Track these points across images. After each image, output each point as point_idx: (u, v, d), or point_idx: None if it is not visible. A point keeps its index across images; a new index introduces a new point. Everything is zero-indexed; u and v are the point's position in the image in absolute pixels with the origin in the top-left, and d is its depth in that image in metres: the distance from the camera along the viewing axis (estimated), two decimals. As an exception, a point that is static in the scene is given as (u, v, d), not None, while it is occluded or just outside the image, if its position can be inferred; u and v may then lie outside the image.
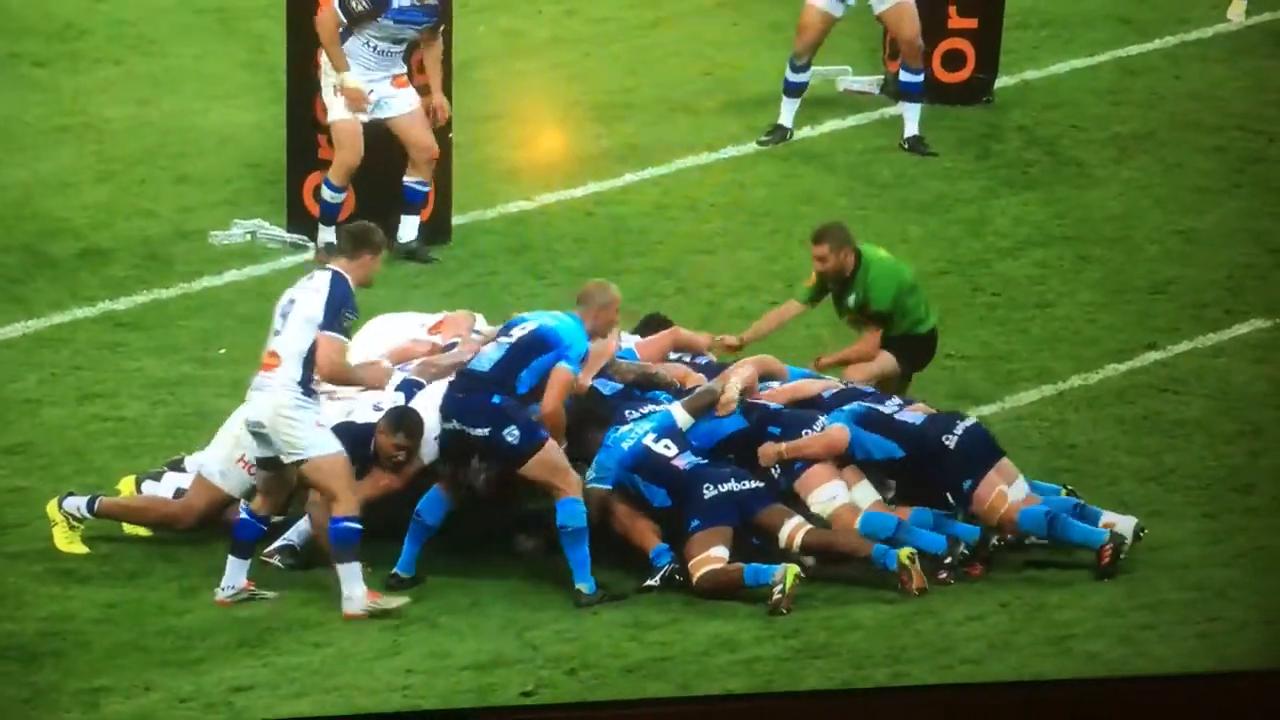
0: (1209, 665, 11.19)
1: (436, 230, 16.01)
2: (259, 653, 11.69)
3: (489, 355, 12.25)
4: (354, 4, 15.08)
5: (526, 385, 12.21)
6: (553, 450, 12.14)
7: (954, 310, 15.23)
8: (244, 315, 14.97)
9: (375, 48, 15.28)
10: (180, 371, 13.13)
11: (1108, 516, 12.49)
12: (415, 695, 11.25)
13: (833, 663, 11.41)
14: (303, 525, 12.53)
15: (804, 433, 12.48)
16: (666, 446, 12.37)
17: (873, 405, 12.67)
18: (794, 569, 12.02)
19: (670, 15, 17.01)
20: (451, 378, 12.51)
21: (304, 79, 15.80)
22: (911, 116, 16.90)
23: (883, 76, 17.95)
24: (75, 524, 12.56)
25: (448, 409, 12.23)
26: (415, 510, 12.25)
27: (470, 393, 12.18)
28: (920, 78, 16.89)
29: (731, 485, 12.27)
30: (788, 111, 17.00)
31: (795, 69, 16.90)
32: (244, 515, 12.15)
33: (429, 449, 12.38)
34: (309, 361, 11.91)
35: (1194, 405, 14.24)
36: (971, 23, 17.74)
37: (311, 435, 11.88)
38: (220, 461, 12.51)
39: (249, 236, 16.09)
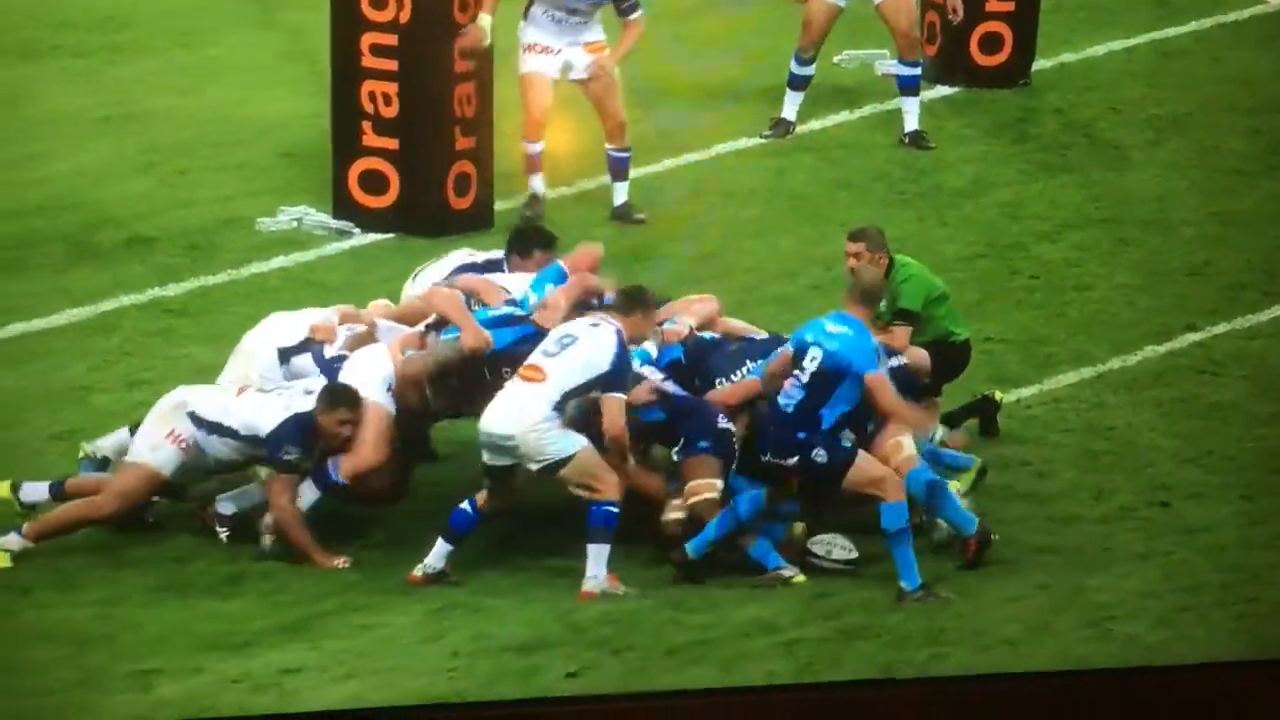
0: (1246, 648, 11.23)
1: (479, 217, 16.11)
2: (307, 635, 11.82)
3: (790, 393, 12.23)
4: None
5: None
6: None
7: (991, 294, 15.28)
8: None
9: (552, 16, 15.68)
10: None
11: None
12: (460, 677, 11.36)
13: (873, 644, 11.49)
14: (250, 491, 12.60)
15: (735, 375, 12.56)
16: (651, 373, 12.53)
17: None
18: (801, 525, 12.18)
19: (708, 1, 17.06)
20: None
21: (348, 68, 15.89)
22: (911, 110, 16.89)
23: (922, 61, 17.94)
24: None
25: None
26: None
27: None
28: (917, 71, 16.89)
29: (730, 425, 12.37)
30: (791, 105, 17.01)
31: (800, 62, 16.91)
32: (466, 508, 12.28)
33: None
34: (568, 396, 12.23)
35: (1232, 387, 14.28)
36: (1009, 6, 17.76)
37: (562, 440, 12.17)
38: (151, 438, 12.54)
39: (295, 224, 16.21)
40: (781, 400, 12.26)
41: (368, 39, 15.88)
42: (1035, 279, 15.58)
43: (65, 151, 17.14)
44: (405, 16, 15.80)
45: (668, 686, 11.17)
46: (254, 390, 12.64)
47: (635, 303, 12.50)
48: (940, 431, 12.96)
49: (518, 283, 13.02)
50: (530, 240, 13.34)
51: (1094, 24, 18.78)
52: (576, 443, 12.21)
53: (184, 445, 12.54)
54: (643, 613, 11.91)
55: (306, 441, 12.46)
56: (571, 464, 12.17)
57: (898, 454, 12.46)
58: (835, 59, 18.15)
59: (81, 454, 12.91)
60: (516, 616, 11.96)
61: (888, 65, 17.87)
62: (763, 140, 17.12)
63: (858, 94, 17.84)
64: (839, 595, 12.05)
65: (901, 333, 13.31)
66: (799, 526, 12.45)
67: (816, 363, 12.24)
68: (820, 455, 12.16)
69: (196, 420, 12.52)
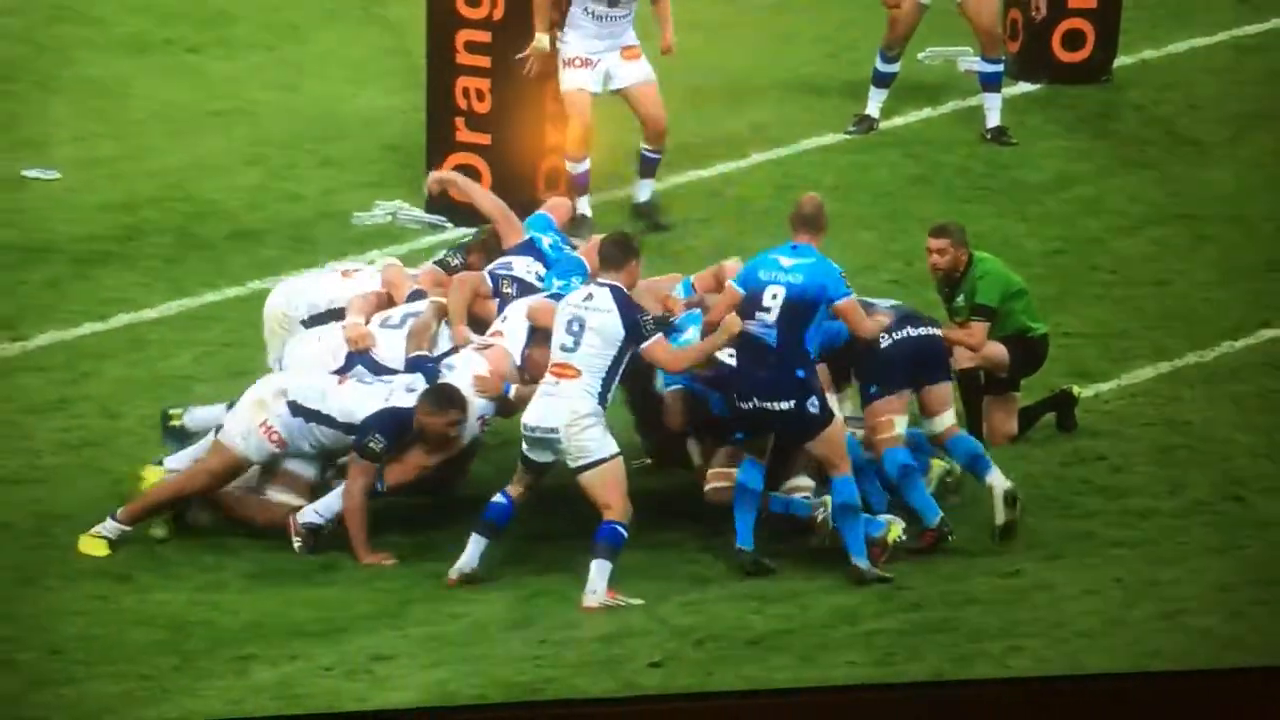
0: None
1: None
2: (398, 623, 11.80)
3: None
4: None
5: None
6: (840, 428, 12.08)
7: (1070, 288, 15.11)
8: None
9: (593, 13, 15.45)
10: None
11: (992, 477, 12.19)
12: (547, 665, 11.31)
13: (951, 636, 11.38)
14: (331, 502, 12.50)
15: None
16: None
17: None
18: (898, 529, 12.04)
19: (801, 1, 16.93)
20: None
21: (443, 64, 15.85)
22: (993, 106, 16.71)
23: (1005, 58, 17.74)
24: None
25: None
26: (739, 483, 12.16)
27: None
28: (999, 68, 16.69)
29: None
30: (875, 101, 16.83)
31: (885, 60, 16.73)
32: (501, 499, 12.21)
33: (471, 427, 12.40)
34: (608, 378, 12.10)
35: (1308, 382, 14.08)
36: (1091, 3, 17.59)
37: (601, 440, 12.10)
38: (243, 425, 12.47)
39: (390, 218, 16.16)
40: (761, 337, 11.93)
41: (462, 36, 15.84)
42: (1114, 274, 15.38)
43: (175, 145, 17.17)
44: (499, 14, 15.76)
45: (749, 676, 11.05)
46: (354, 380, 12.55)
47: (628, 251, 12.24)
48: (941, 420, 12.63)
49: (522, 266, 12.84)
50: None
51: (1175, 21, 18.53)
52: (611, 450, 12.10)
53: (274, 438, 12.51)
54: (724, 602, 11.82)
55: (396, 435, 12.36)
56: (599, 470, 12.04)
57: (885, 431, 12.30)
58: (919, 56, 17.99)
59: (172, 420, 12.85)
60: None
61: (971, 62, 17.70)
62: (846, 136, 16.93)
63: (941, 90, 17.68)
64: (918, 588, 11.95)
65: (979, 328, 13.13)
66: (896, 529, 12.22)
67: (780, 299, 11.95)
68: (814, 405, 11.91)
69: (295, 408, 12.46)
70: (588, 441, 12.01)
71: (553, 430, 12.05)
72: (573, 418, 12.02)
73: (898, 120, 17.38)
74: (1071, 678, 10.41)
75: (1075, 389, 13.66)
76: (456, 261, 13.10)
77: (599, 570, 11.96)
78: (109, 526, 12.48)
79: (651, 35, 15.94)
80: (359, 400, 12.46)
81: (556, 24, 15.52)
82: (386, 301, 12.97)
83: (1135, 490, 12.92)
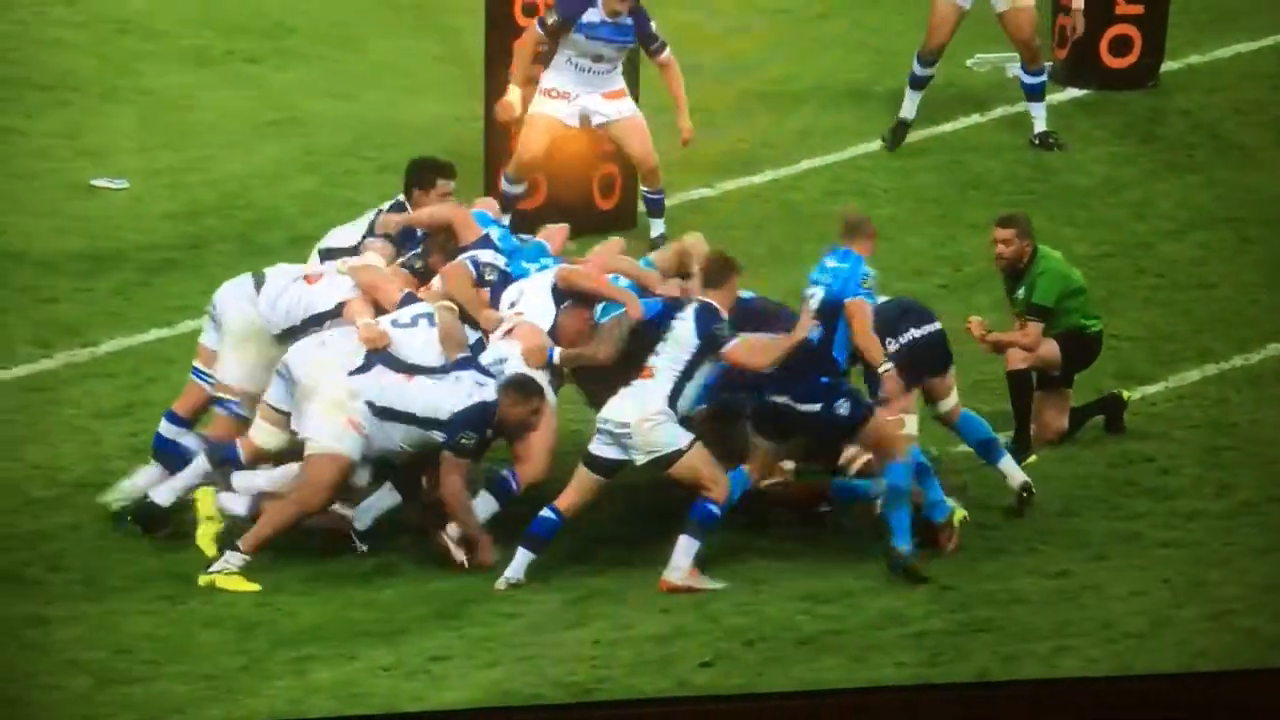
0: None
1: (622, 218, 16.02)
2: (454, 624, 11.81)
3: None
4: (547, 18, 14.92)
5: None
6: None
7: (1118, 292, 15.03)
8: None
9: (576, 65, 15.11)
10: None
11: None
12: (601, 665, 11.30)
13: (998, 636, 11.34)
14: (382, 501, 12.47)
15: None
16: None
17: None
18: (961, 511, 12.07)
19: (838, 5, 16.86)
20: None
21: (501, 72, 15.82)
22: (1038, 114, 16.53)
23: (1051, 63, 17.70)
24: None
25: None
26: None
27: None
28: (1042, 78, 16.55)
29: None
30: (910, 103, 16.61)
31: (923, 64, 16.52)
32: (549, 514, 12.19)
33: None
34: (680, 382, 12.18)
35: (1353, 384, 13.98)
36: (1138, 9, 17.48)
37: (674, 434, 12.14)
38: (333, 427, 12.40)
39: None
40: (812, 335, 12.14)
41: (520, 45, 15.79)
42: (1161, 277, 15.29)
43: (235, 154, 17.21)
44: (552, 24, 15.70)
45: (799, 676, 11.02)
46: (423, 376, 12.49)
47: (726, 269, 12.38)
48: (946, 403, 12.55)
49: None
50: (431, 171, 13.10)
51: (1221, 27, 18.42)
52: (687, 440, 12.15)
53: (362, 432, 12.45)
54: (775, 603, 11.79)
55: (485, 429, 12.34)
56: (682, 460, 12.08)
57: (898, 430, 12.33)
58: (967, 62, 17.94)
59: (219, 392, 12.73)
60: (654, 605, 11.90)
61: (1018, 69, 17.61)
62: (924, 134, 16.85)
63: (988, 97, 17.61)
64: (965, 588, 11.89)
65: (1034, 329, 13.09)
66: (960, 511, 12.20)
67: (817, 299, 12.15)
68: (843, 407, 12.00)
69: (371, 408, 12.41)
70: (658, 438, 12.06)
71: (625, 425, 12.10)
72: (643, 414, 12.10)
73: (946, 126, 17.31)
74: (1116, 678, 10.36)
75: (1125, 393, 13.58)
76: (420, 265, 13.03)
77: (685, 547, 12.02)
78: (234, 559, 12.32)
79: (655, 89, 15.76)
80: (441, 394, 12.37)
81: (531, 81, 15.08)
82: (374, 302, 12.82)
83: (1182, 492, 12.87)
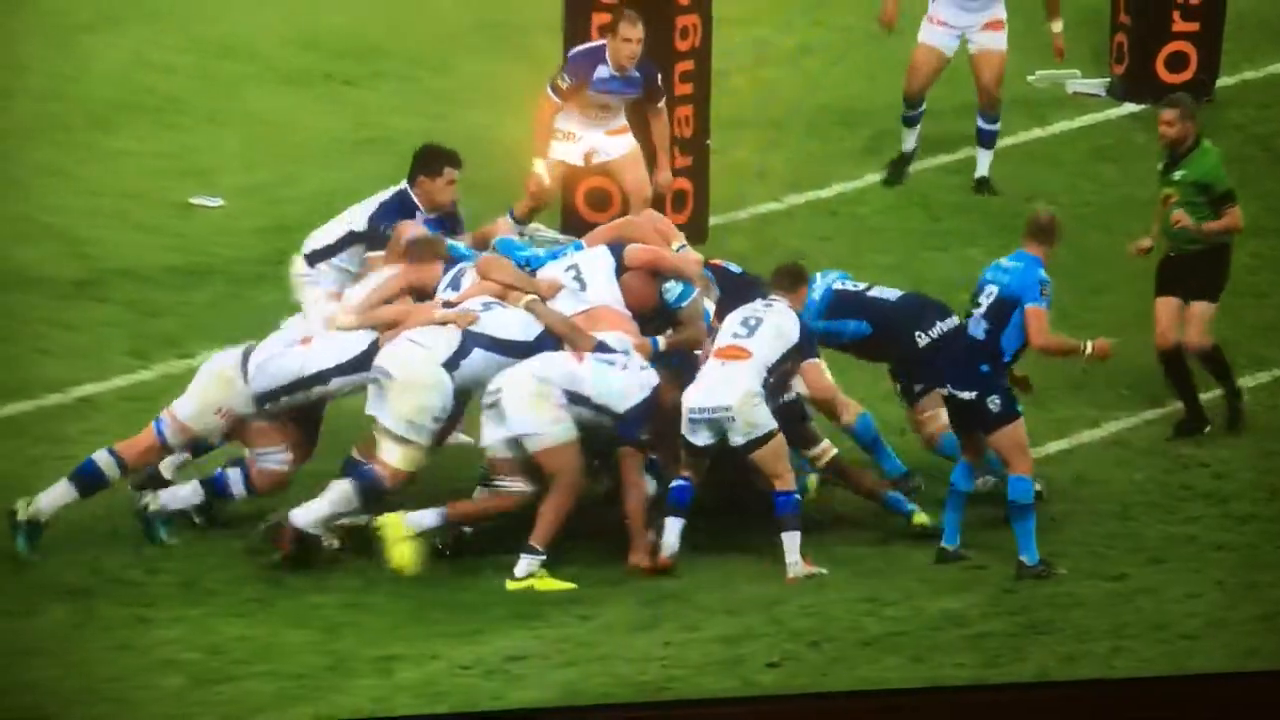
0: None
1: (695, 231, 15.82)
2: (532, 625, 11.69)
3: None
4: (561, 83, 14.71)
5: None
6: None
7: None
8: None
9: (583, 111, 14.83)
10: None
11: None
12: (671, 665, 11.17)
13: (1057, 638, 11.14)
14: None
15: None
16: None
17: (843, 286, 12.71)
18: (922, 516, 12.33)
19: (907, 24, 16.61)
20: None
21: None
22: (983, 161, 15.98)
23: (1109, 79, 17.46)
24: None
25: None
26: (953, 481, 12.09)
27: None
28: (995, 126, 16.03)
29: None
30: (910, 138, 16.11)
31: (910, 105, 16.01)
32: (682, 482, 12.04)
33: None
34: (772, 370, 12.14)
35: (1405, 388, 13.64)
36: (1194, 26, 17.19)
37: (768, 415, 12.06)
38: (548, 414, 12.00)
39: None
40: (971, 330, 12.07)
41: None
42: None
43: (328, 172, 17.15)
44: (630, 45, 15.54)
45: (863, 676, 10.82)
46: (593, 359, 12.19)
47: (799, 278, 12.40)
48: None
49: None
50: (440, 159, 12.92)
51: (1274, 43, 18.06)
52: (775, 424, 12.08)
53: (569, 412, 12.19)
54: (840, 605, 11.60)
55: (650, 420, 12.27)
56: (770, 444, 12.00)
57: (935, 422, 12.41)
58: (1028, 78, 17.72)
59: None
60: (723, 608, 11.76)
61: (1078, 84, 17.39)
62: (954, 157, 16.58)
63: (1048, 110, 17.35)
64: (1025, 591, 11.67)
65: (1236, 211, 13.12)
66: (921, 516, 12.20)
67: (993, 297, 12.06)
68: (995, 404, 11.90)
69: (565, 394, 12.08)
70: (758, 417, 11.96)
71: (725, 408, 11.96)
72: (745, 395, 12.00)
73: (1008, 140, 17.06)
74: (1171, 678, 10.12)
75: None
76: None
77: (792, 540, 11.97)
78: (534, 561, 12.01)
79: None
80: (622, 383, 12.08)
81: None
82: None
83: (1236, 495, 12.65)
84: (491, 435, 12.09)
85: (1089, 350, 12.19)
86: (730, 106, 15.99)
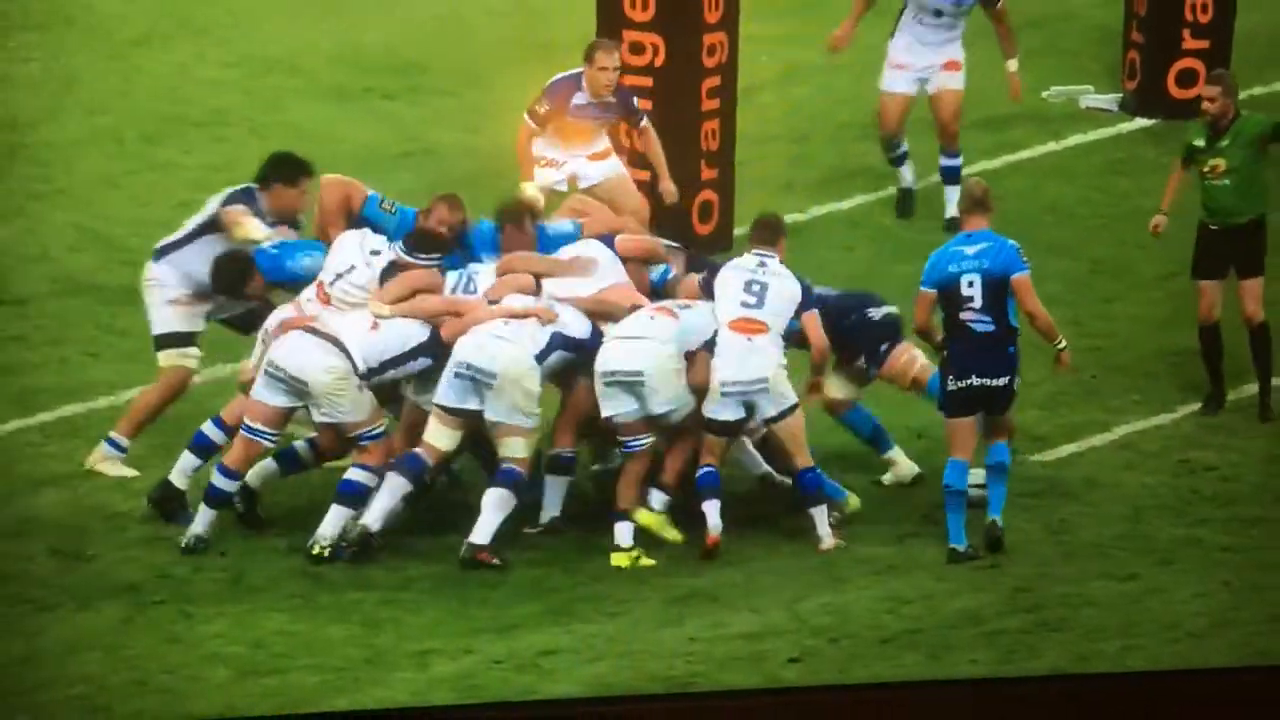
0: None
1: (720, 240, 15.81)
2: (563, 620, 11.68)
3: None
4: (539, 109, 14.65)
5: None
6: None
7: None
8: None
9: (565, 138, 14.74)
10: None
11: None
12: (696, 661, 11.14)
13: (1069, 636, 11.10)
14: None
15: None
16: None
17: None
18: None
19: (874, 56, 16.55)
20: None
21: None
22: (951, 197, 15.67)
23: (1122, 94, 17.39)
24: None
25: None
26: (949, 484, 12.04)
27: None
28: (957, 161, 15.82)
29: None
30: (907, 176, 15.89)
31: (889, 147, 15.80)
32: (709, 468, 11.99)
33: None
34: (785, 335, 12.10)
35: None
36: (1204, 44, 17.12)
37: (791, 390, 12.04)
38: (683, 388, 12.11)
39: None
40: (976, 327, 11.87)
41: (626, 81, 15.63)
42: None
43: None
44: (660, 60, 15.59)
45: (881, 673, 10.79)
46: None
47: (778, 229, 12.34)
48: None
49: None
50: (298, 169, 12.82)
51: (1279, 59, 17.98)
52: (796, 397, 12.06)
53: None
54: (859, 603, 11.57)
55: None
56: (794, 417, 11.97)
57: (914, 366, 12.36)
58: (1043, 94, 17.64)
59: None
60: (746, 605, 11.73)
61: (1091, 100, 17.33)
62: (1007, 160, 16.52)
63: (1062, 125, 17.28)
64: (1039, 590, 11.64)
65: None
66: (854, 500, 12.23)
67: (979, 286, 11.88)
68: (1016, 382, 11.90)
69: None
70: (786, 388, 11.96)
71: (761, 380, 11.93)
72: (777, 366, 11.96)
73: (1023, 154, 17.01)
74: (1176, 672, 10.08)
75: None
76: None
77: (820, 516, 11.98)
78: (659, 498, 12.14)
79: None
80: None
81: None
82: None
83: (1243, 498, 12.57)
84: (626, 408, 12.04)
85: (1063, 345, 12.09)
86: (758, 122, 15.96)
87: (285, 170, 12.96)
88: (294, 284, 12.67)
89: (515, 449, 12.09)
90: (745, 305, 12.03)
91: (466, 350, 12.14)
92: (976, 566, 11.99)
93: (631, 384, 12.07)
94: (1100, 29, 17.59)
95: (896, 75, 15.60)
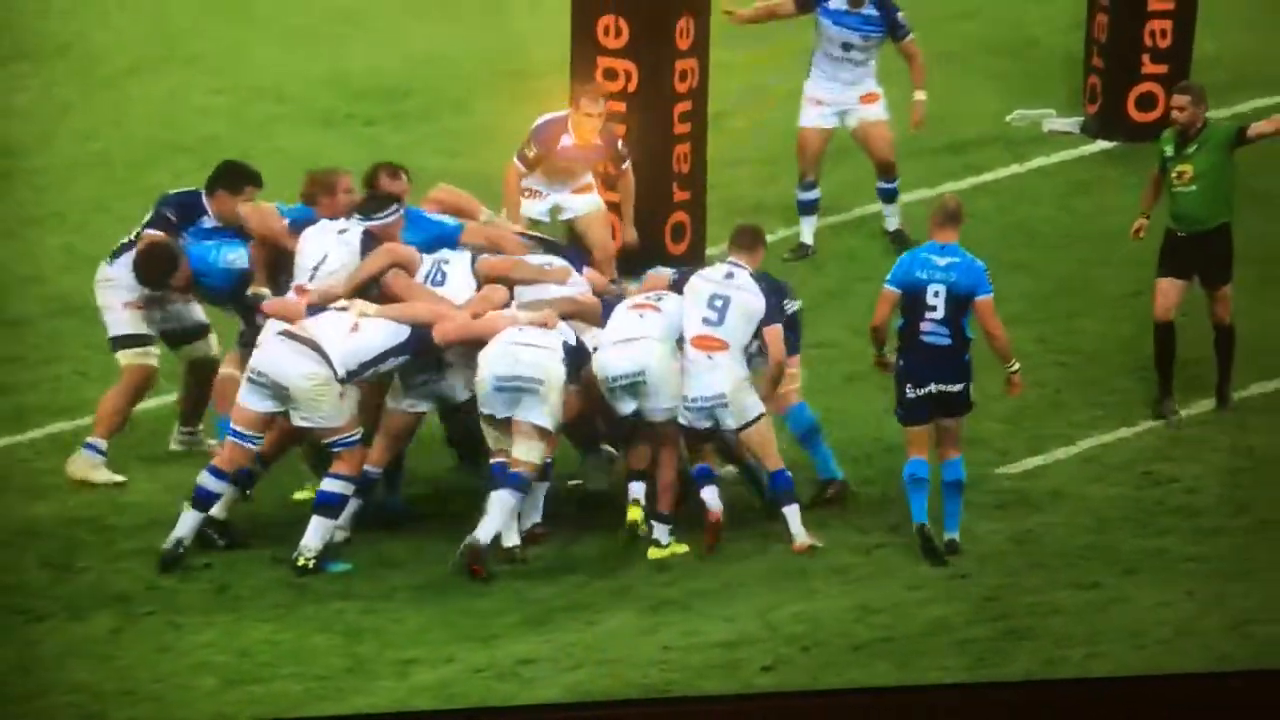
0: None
1: (693, 259, 15.68)
2: (542, 630, 11.58)
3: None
4: (528, 152, 14.53)
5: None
6: None
7: (1148, 328, 14.42)
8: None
9: (551, 175, 14.62)
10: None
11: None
12: (671, 669, 11.06)
13: (1037, 644, 11.01)
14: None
15: None
16: None
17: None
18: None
19: (898, 69, 16.47)
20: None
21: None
22: (892, 217, 15.56)
23: (1082, 118, 17.36)
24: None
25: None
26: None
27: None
28: (893, 185, 15.62)
29: None
30: (808, 229, 15.60)
31: (804, 187, 15.58)
32: (703, 469, 11.98)
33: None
34: (746, 350, 12.04)
35: None
36: (1163, 69, 17.09)
37: (755, 399, 12.03)
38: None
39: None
40: (930, 340, 11.84)
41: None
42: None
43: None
44: (633, 86, 15.52)
45: (852, 679, 10.68)
46: None
47: (758, 239, 12.24)
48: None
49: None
50: (244, 178, 12.75)
51: (1238, 85, 17.93)
52: (762, 407, 12.03)
53: None
54: (831, 612, 11.48)
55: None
56: (759, 425, 11.96)
57: (792, 383, 12.29)
58: (1007, 118, 17.58)
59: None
60: (720, 614, 11.64)
61: (1054, 123, 17.30)
62: (974, 181, 16.41)
63: (1027, 148, 17.22)
64: (1007, 599, 11.56)
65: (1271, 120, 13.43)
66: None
67: (942, 297, 11.88)
68: (970, 389, 11.90)
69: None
70: (748, 401, 11.91)
71: (720, 397, 11.91)
72: (736, 382, 11.92)
73: (987, 176, 16.94)
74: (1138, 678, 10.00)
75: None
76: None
77: (792, 515, 11.91)
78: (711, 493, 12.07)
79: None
80: None
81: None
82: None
83: (1206, 510, 12.50)
84: (631, 409, 12.04)
85: (1016, 368, 12.08)
86: (729, 146, 15.86)
87: (232, 179, 12.91)
88: (217, 281, 12.54)
89: (532, 454, 12.00)
90: (706, 322, 11.99)
91: (502, 363, 12.05)
92: (947, 575, 11.90)
93: (635, 385, 12.03)
94: (1062, 54, 17.53)
95: (814, 111, 15.48)
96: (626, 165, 14.72)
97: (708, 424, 11.96)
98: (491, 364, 12.03)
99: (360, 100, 18.67)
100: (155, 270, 12.64)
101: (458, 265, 12.46)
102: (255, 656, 11.29)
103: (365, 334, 12.11)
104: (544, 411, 11.98)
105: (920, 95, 15.55)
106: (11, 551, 12.11)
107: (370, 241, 12.37)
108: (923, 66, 15.52)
